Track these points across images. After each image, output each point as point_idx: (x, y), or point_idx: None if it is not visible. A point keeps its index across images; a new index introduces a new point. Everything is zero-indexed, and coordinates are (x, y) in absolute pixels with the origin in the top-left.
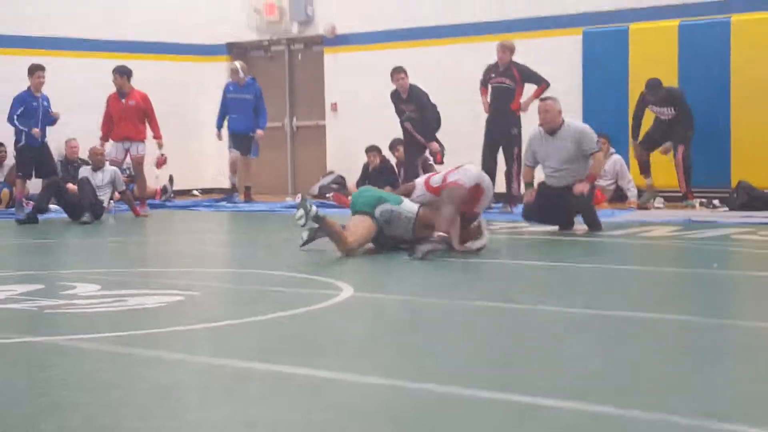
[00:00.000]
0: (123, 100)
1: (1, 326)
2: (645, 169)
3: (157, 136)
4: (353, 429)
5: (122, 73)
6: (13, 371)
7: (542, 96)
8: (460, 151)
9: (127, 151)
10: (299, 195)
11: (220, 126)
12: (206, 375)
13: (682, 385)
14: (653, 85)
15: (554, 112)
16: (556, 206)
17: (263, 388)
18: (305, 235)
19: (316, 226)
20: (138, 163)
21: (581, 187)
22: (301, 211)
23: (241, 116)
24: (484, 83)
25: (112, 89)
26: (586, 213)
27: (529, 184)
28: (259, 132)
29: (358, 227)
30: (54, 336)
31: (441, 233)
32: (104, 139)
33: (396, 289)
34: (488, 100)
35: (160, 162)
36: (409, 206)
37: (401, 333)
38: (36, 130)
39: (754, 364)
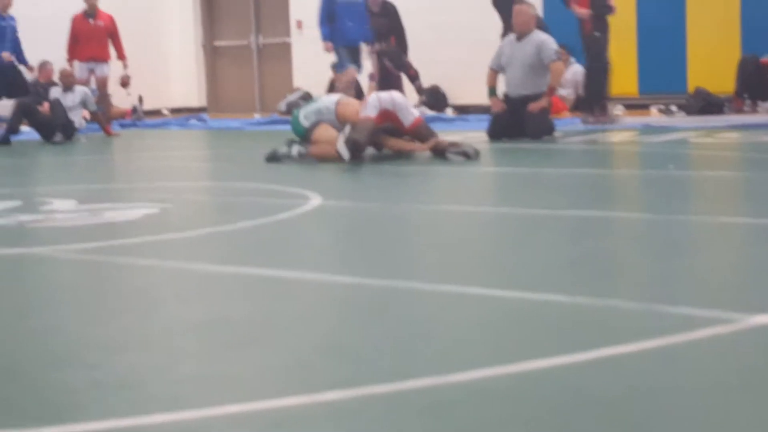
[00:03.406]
0: (91, 21)
1: None
2: None
3: (123, 57)
4: (322, 319)
5: None
6: None
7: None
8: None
9: (91, 71)
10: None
11: (328, 36)
12: (178, 277)
13: (633, 275)
14: None
15: (526, 16)
16: (520, 121)
17: (234, 288)
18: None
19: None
20: (103, 84)
21: (536, 106)
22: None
23: (357, 24)
24: None
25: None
26: (531, 123)
27: (492, 90)
28: (371, 48)
29: (321, 135)
30: (34, 248)
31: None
32: (71, 60)
33: (365, 197)
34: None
35: (125, 81)
36: (325, 99)
37: (366, 237)
38: (6, 55)
39: (704, 256)
